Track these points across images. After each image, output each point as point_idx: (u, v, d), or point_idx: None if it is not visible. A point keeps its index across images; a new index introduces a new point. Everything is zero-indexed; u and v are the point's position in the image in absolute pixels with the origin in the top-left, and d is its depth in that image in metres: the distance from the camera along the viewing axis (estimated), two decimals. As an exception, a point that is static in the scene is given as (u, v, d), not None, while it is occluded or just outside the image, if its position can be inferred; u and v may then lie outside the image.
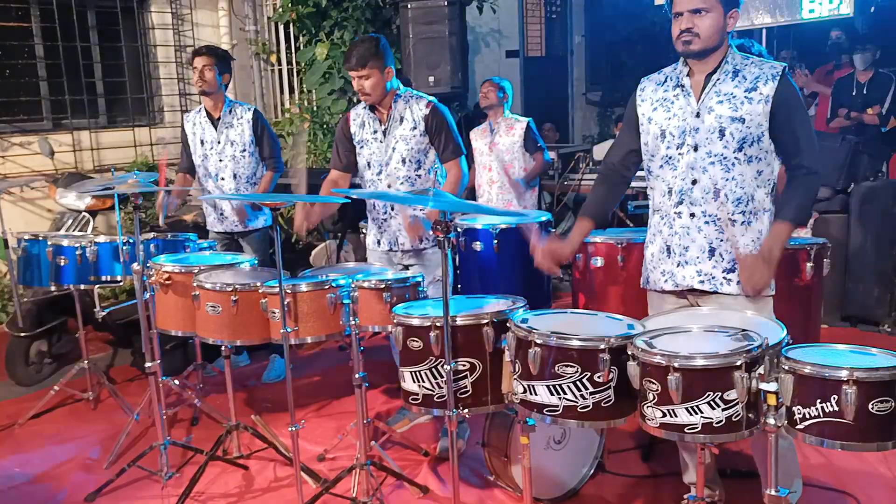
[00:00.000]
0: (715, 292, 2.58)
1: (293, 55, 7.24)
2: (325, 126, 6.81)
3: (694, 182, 2.56)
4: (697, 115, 2.54)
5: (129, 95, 6.50)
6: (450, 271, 3.79)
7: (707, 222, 2.56)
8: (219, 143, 4.44)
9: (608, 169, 2.88)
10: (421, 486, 3.26)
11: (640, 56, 10.35)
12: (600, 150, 7.68)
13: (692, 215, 2.58)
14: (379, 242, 3.71)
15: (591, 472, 3.19)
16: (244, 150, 4.43)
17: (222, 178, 4.47)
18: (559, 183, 6.56)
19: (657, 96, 2.66)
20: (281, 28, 7.20)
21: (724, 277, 2.57)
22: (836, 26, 7.33)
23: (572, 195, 6.91)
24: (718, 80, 2.52)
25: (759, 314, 2.49)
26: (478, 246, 4.22)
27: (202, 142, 4.50)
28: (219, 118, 4.44)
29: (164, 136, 4.49)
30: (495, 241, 4.18)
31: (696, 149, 2.54)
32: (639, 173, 2.89)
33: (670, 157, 2.61)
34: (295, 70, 7.29)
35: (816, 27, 7.29)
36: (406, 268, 3.70)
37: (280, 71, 7.29)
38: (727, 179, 2.52)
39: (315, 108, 6.95)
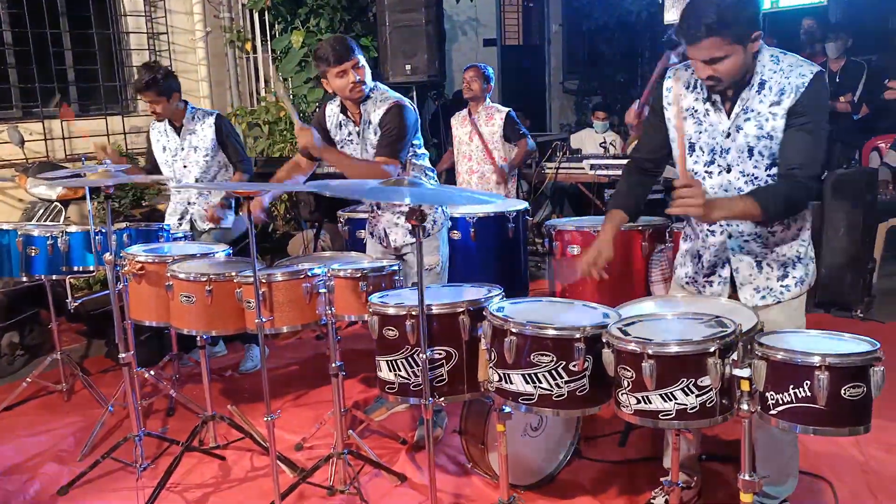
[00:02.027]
0: (778, 303, 2.52)
1: (268, 43, 7.16)
2: (301, 114, 6.75)
3: None
4: (728, 136, 2.42)
5: (102, 83, 6.39)
6: (446, 259, 3.82)
7: (747, 240, 2.50)
8: (182, 149, 4.40)
9: (637, 162, 2.76)
10: (398, 474, 3.26)
11: (617, 45, 10.36)
12: (577, 139, 7.70)
13: (730, 236, 2.52)
14: (372, 234, 3.70)
15: (568, 458, 3.21)
16: (206, 155, 4.39)
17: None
18: (536, 172, 6.56)
19: (687, 103, 2.50)
20: (256, 15, 7.11)
21: (782, 285, 2.51)
22: (809, 14, 7.38)
23: (549, 184, 6.92)
24: (748, 97, 2.37)
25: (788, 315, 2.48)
26: (456, 234, 4.22)
27: (164, 148, 4.46)
28: (181, 126, 4.40)
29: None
30: (472, 230, 4.19)
31: (728, 170, 2.44)
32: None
33: (696, 173, 2.50)
34: (270, 58, 7.21)
35: (790, 15, 7.34)
36: (401, 256, 3.64)
37: (255, 59, 7.21)
38: None
39: (291, 97, 6.89)
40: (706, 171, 2.49)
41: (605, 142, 7.07)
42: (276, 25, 7.12)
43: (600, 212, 6.27)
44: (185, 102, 4.43)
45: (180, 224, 4.47)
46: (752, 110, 2.37)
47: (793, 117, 2.32)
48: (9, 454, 3.65)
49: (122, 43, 6.49)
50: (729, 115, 2.41)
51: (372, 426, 3.71)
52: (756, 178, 2.41)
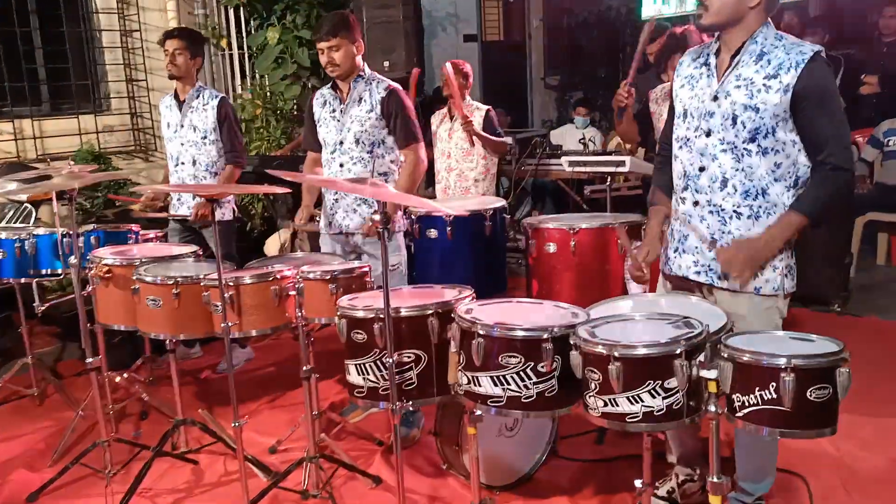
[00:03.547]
0: (711, 285, 2.49)
1: (244, 39, 7.09)
2: (278, 112, 6.68)
3: (702, 169, 2.44)
4: (715, 99, 2.39)
5: (73, 82, 6.29)
6: (405, 259, 3.80)
7: (711, 212, 2.44)
8: (181, 126, 4.36)
9: (665, 151, 2.71)
10: (373, 476, 3.22)
11: (598, 41, 10.34)
12: (558, 135, 7.68)
13: (695, 203, 2.47)
14: (330, 225, 3.68)
15: (544, 457, 3.19)
16: (205, 137, 4.34)
17: (182, 163, 4.39)
18: (517, 168, 6.54)
19: (688, 72, 2.52)
20: (231, 11, 7.03)
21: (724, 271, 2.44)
22: (790, 9, 7.39)
23: (530, 180, 6.91)
24: (741, 62, 2.35)
25: (760, 314, 2.42)
26: (433, 233, 4.18)
27: (168, 124, 4.44)
28: (184, 101, 4.34)
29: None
30: (449, 228, 4.15)
31: (708, 134, 2.41)
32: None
33: (687, 139, 2.49)
34: (246, 55, 7.14)
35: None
36: (359, 256, 3.67)
37: (231, 56, 7.13)
38: (737, 170, 2.37)
39: (268, 94, 6.82)
40: (695, 136, 2.46)
41: (584, 138, 7.05)
42: (252, 22, 7.04)
43: (580, 208, 6.25)
44: (198, 81, 4.41)
45: (181, 203, 4.44)
46: (746, 79, 2.33)
47: (801, 102, 2.27)
48: (-22, 461, 3.60)
49: (94, 41, 6.39)
50: (719, 80, 2.40)
51: (348, 428, 3.68)
52: (735, 147, 2.37)
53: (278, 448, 3.57)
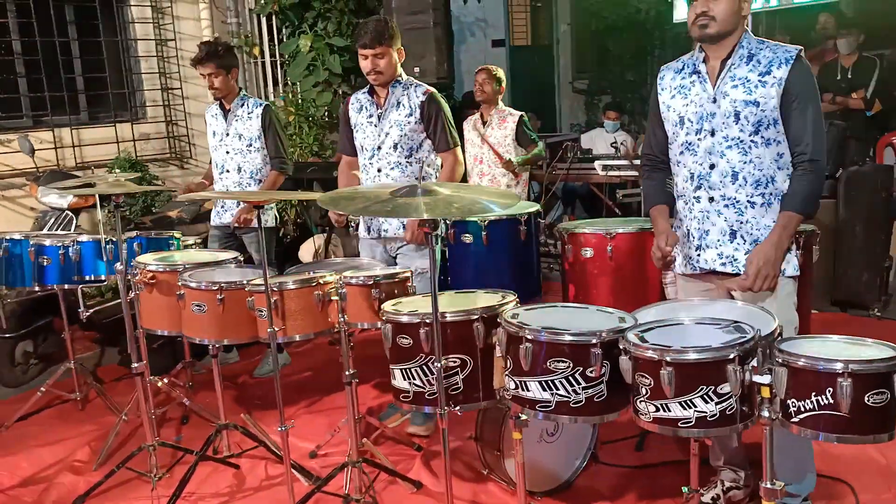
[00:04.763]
0: (737, 274, 2.58)
1: (276, 47, 7.16)
2: (310, 118, 6.73)
3: (712, 167, 2.57)
4: (714, 101, 2.54)
5: (111, 91, 6.39)
6: (438, 264, 3.81)
7: (727, 205, 2.57)
8: (227, 135, 4.42)
9: (650, 160, 2.86)
10: (414, 481, 3.23)
11: (627, 44, 10.30)
12: (588, 139, 7.66)
13: (711, 199, 2.59)
14: (369, 230, 3.70)
15: (585, 463, 3.18)
16: (250, 145, 4.40)
17: (227, 171, 4.45)
18: (547, 172, 6.53)
19: (675, 84, 2.67)
20: (263, 20, 7.11)
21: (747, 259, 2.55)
22: (824, 9, 7.31)
23: (561, 185, 6.89)
24: (733, 64, 2.52)
25: (781, 299, 2.53)
26: (467, 238, 4.18)
27: (214, 133, 4.50)
28: (229, 110, 4.40)
29: None
30: (484, 233, 4.14)
31: (713, 133, 2.55)
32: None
33: (690, 143, 2.62)
34: (279, 62, 7.21)
35: (803, 11, 7.28)
36: (394, 258, 3.69)
37: (263, 63, 7.21)
38: (745, 162, 2.52)
39: (300, 101, 6.88)
40: (697, 139, 2.59)
41: (615, 142, 7.03)
42: (284, 30, 7.11)
43: (612, 213, 6.23)
44: (241, 89, 4.46)
45: (224, 210, 4.49)
46: (741, 78, 2.50)
47: (788, 97, 2.46)
48: (24, 465, 3.66)
49: (131, 50, 6.49)
50: (714, 84, 2.55)
51: (386, 433, 3.69)
52: (741, 141, 2.52)
53: (318, 453, 3.59)
